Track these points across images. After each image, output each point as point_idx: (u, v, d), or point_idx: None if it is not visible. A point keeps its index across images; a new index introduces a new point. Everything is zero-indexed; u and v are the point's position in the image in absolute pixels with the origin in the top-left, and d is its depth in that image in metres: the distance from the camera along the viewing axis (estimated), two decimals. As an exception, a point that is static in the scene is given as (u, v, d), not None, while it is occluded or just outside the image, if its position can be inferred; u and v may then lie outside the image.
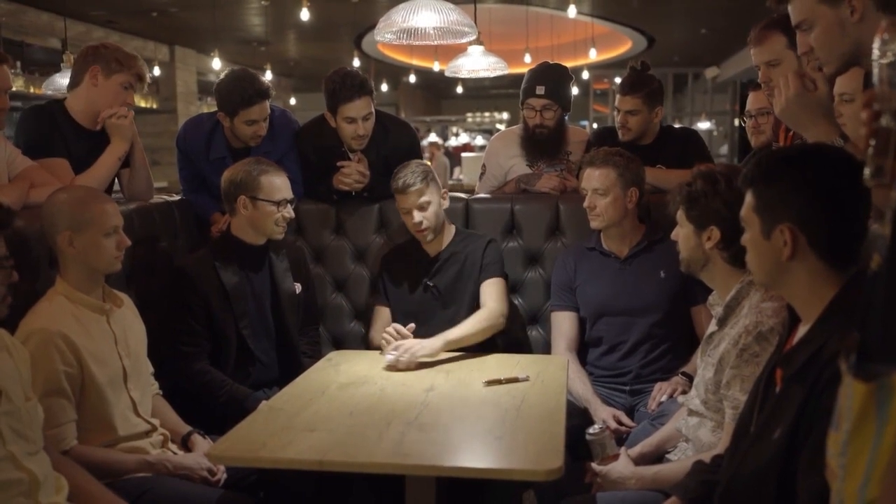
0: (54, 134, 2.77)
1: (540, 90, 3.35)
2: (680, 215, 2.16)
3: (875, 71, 0.96)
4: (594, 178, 2.77)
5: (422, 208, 2.87)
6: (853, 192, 1.45)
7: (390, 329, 2.73)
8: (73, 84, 2.85)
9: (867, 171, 0.99)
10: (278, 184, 2.74)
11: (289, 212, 2.77)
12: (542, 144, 3.42)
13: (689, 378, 2.63)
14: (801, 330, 1.54)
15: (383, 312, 3.03)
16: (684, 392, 2.53)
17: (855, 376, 0.91)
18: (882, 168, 0.96)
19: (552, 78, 3.41)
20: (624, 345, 2.83)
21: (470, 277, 2.94)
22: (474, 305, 2.90)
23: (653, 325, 2.79)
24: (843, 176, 1.46)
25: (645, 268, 2.82)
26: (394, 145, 3.31)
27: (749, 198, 1.57)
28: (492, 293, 2.89)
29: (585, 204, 2.80)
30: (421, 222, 2.87)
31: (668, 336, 2.80)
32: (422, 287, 2.97)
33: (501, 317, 2.84)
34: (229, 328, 2.70)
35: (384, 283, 3.05)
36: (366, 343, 3.18)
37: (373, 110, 3.16)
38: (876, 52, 0.95)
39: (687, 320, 2.82)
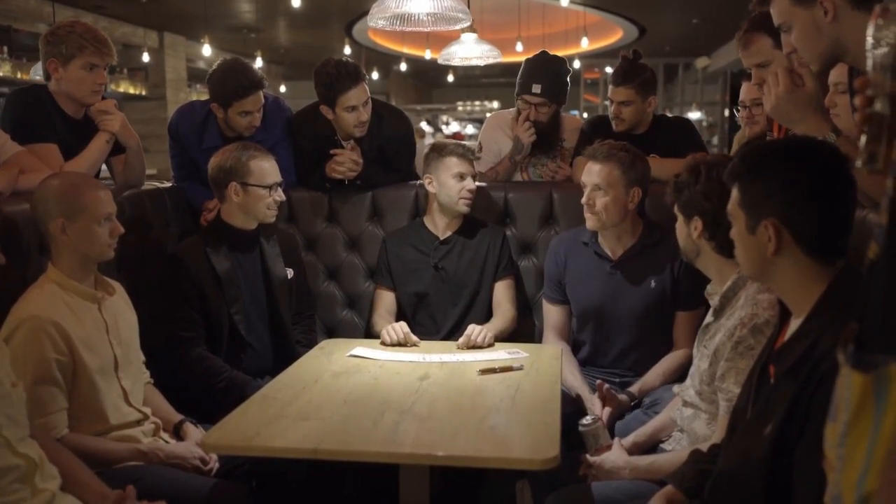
0: (42, 117, 2.74)
1: (536, 89, 3.33)
2: (675, 206, 2.17)
3: (868, 57, 0.95)
4: (594, 173, 2.66)
5: (474, 177, 3.02)
6: (837, 187, 1.46)
7: (397, 328, 2.74)
8: (46, 77, 2.82)
9: (860, 159, 0.97)
10: (267, 168, 2.74)
11: (280, 195, 2.77)
12: (536, 137, 3.40)
13: (632, 399, 2.61)
14: (793, 324, 1.54)
15: (387, 297, 3.06)
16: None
17: (853, 367, 0.91)
18: (875, 155, 0.95)
19: (549, 75, 3.38)
20: (612, 350, 2.79)
21: (484, 265, 3.02)
22: (483, 293, 3.02)
23: (641, 331, 2.73)
24: (826, 171, 1.46)
25: (636, 274, 2.73)
26: (388, 133, 3.30)
27: (735, 193, 1.57)
28: (508, 296, 3.03)
29: (584, 200, 2.69)
30: (474, 189, 3.00)
31: (658, 342, 2.74)
32: (431, 268, 3.01)
33: (515, 321, 3.00)
34: (222, 314, 2.68)
35: (389, 266, 3.06)
36: (363, 331, 3.18)
37: (369, 94, 3.15)
38: (870, 40, 0.94)
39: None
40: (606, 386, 2.55)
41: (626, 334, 2.75)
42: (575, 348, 2.88)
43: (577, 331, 2.88)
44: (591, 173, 2.68)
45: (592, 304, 2.79)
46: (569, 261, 2.87)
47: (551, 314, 2.91)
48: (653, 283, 2.71)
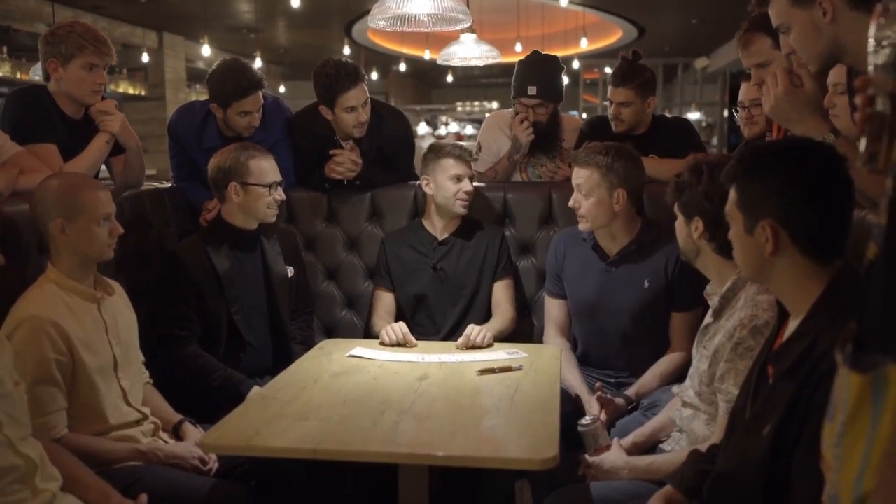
0: (41, 117, 2.74)
1: (531, 90, 3.34)
2: (675, 205, 2.16)
3: (870, 56, 0.95)
4: (578, 176, 2.69)
5: (471, 179, 3.02)
6: (835, 188, 1.46)
7: (396, 328, 2.74)
8: (46, 78, 2.82)
9: (861, 159, 0.97)
10: (266, 167, 2.74)
11: (280, 194, 2.77)
12: (535, 138, 3.41)
13: (629, 402, 2.59)
14: (791, 325, 1.54)
15: (386, 298, 3.06)
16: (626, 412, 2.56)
17: (851, 367, 0.91)
18: (876, 155, 0.95)
19: (543, 76, 3.39)
20: (608, 348, 2.78)
21: (483, 266, 3.02)
22: (482, 293, 3.02)
23: (636, 330, 2.73)
24: (824, 171, 1.46)
25: (631, 272, 2.73)
26: (388, 134, 3.30)
27: (732, 193, 1.57)
28: (507, 296, 3.03)
29: (570, 203, 2.73)
30: (472, 191, 2.99)
31: (654, 342, 2.73)
32: (430, 269, 3.01)
33: (514, 321, 3.00)
34: (221, 313, 2.69)
35: (388, 267, 3.07)
36: (362, 331, 3.18)
37: (368, 95, 3.15)
38: (871, 41, 0.94)
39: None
40: (599, 392, 2.55)
41: (622, 332, 2.75)
42: (572, 346, 2.89)
43: (574, 328, 2.88)
44: (576, 176, 2.71)
45: (588, 300, 2.79)
46: (567, 256, 2.88)
47: (552, 308, 2.92)
48: (647, 283, 2.71)
